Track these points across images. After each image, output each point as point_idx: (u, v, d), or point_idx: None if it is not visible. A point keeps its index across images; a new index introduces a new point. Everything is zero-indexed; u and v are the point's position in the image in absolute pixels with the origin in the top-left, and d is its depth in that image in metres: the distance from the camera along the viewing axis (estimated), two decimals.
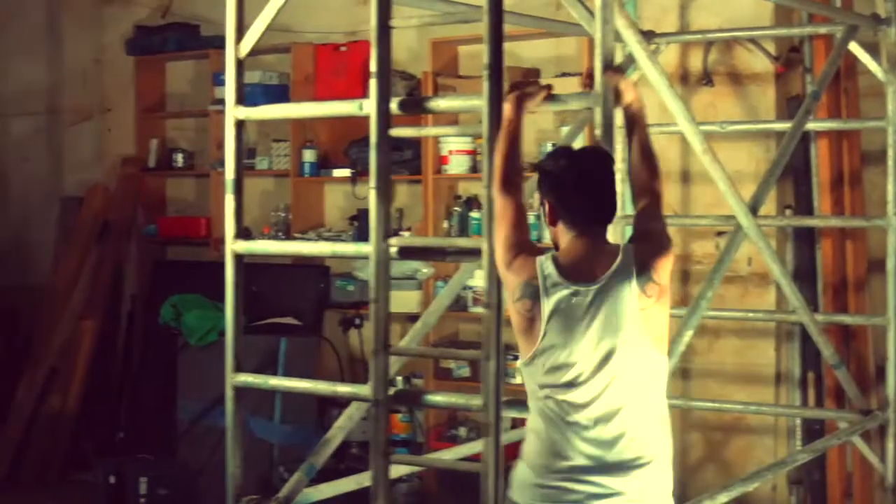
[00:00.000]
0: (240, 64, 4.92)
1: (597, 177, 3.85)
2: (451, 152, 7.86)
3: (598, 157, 3.93)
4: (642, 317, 3.72)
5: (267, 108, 5.58)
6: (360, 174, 8.18)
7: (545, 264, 3.77)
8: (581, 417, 3.74)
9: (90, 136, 10.06)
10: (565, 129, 7.33)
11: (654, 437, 3.80)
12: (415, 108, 4.89)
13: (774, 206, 6.99)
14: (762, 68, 7.11)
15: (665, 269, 3.79)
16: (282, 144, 8.76)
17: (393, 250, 4.48)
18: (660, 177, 4.06)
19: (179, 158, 9.50)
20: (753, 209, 5.47)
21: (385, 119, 4.46)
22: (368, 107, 4.47)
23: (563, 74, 7.63)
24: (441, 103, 4.86)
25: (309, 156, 8.56)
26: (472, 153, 7.83)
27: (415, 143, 8.00)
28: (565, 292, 3.73)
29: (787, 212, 7.10)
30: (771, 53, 7.07)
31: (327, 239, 8.31)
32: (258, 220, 8.82)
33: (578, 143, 6.91)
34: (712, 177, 5.37)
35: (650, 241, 3.87)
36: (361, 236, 7.80)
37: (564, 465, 3.74)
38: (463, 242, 5.80)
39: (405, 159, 8.09)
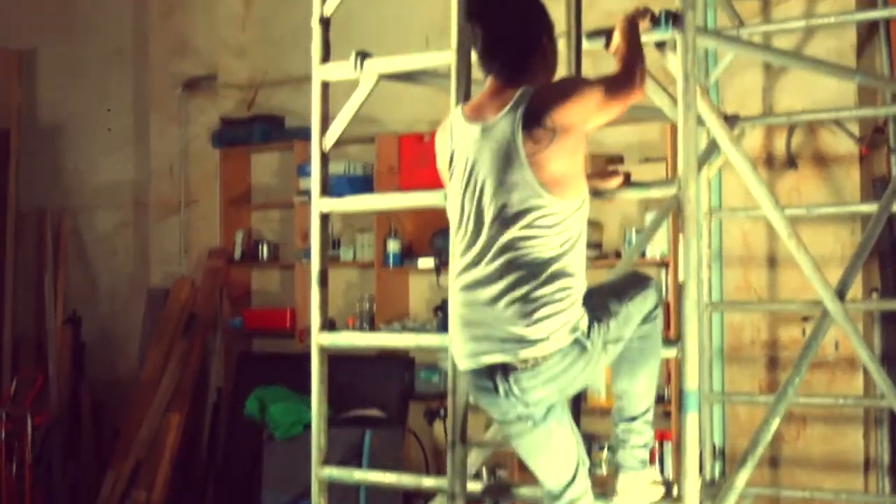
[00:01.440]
0: (324, 156, 4.97)
1: (476, 15, 3.97)
2: None
3: (489, 3, 3.99)
4: (530, 161, 3.76)
5: (352, 199, 5.62)
6: (444, 264, 8.18)
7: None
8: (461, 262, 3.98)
9: (176, 229, 10.17)
10: (649, 216, 7.30)
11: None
12: None
13: (861, 289, 6.89)
14: (846, 150, 7.04)
15: (567, 113, 3.77)
16: (366, 235, 8.79)
17: None
18: (631, 81, 3.98)
19: (264, 250, 9.57)
20: (841, 294, 5.39)
21: None
22: None
23: (647, 160, 7.61)
24: None
25: (393, 246, 8.58)
26: None
27: None
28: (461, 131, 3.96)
29: (874, 295, 6.99)
30: (855, 135, 7.01)
31: (412, 330, 8.30)
32: (342, 311, 8.83)
33: (663, 231, 6.91)
34: (798, 261, 5.30)
35: (554, 87, 3.92)
36: (446, 327, 7.77)
37: None
38: None
39: None
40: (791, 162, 7.13)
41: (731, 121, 6.51)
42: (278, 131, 9.52)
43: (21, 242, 10.84)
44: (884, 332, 6.97)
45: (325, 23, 4.99)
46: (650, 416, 4.25)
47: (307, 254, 7.21)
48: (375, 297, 8.69)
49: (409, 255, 8.61)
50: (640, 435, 4.23)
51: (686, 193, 4.12)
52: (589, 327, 3.90)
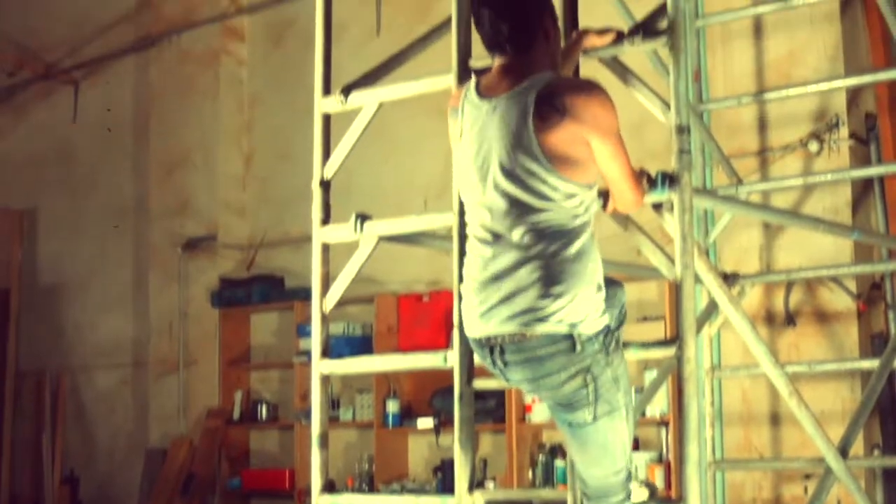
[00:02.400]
0: (325, 318, 4.97)
1: (482, 1, 4.02)
2: (534, 400, 7.82)
3: None
4: (538, 138, 3.83)
5: (352, 361, 5.61)
6: (443, 423, 8.15)
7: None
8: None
9: (175, 388, 10.14)
10: (649, 375, 7.29)
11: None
12: None
13: (862, 445, 6.85)
14: (844, 306, 7.07)
15: (579, 102, 3.83)
16: (365, 395, 8.77)
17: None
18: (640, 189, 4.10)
19: (263, 410, 9.53)
20: (843, 451, 5.36)
21: (469, 371, 4.46)
22: (453, 359, 4.48)
23: (645, 319, 7.63)
24: None
25: (392, 406, 8.56)
26: None
27: (498, 392, 7.97)
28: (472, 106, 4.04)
29: (876, 451, 6.94)
30: (852, 291, 7.04)
31: (411, 491, 8.23)
32: (342, 472, 8.77)
33: (662, 389, 6.89)
34: (799, 419, 5.28)
35: (573, 80, 4.11)
36: (446, 488, 7.72)
37: None
38: (547, 494, 5.72)
39: (489, 408, 8.07)
40: (790, 319, 7.15)
41: (730, 279, 6.54)
42: (278, 291, 9.56)
43: (20, 402, 10.81)
44: (886, 489, 6.91)
45: (326, 185, 5.04)
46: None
47: (307, 414, 7.18)
48: (375, 458, 8.63)
49: (408, 415, 8.58)
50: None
51: (685, 353, 4.11)
52: (590, 338, 3.90)
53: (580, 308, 3.86)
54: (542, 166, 3.85)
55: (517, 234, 3.90)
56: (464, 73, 4.64)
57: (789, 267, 7.07)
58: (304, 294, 6.47)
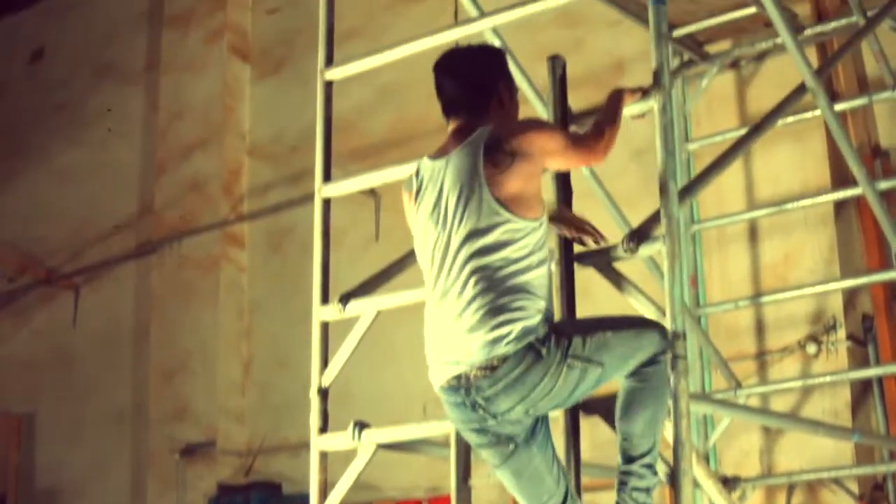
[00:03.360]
0: None
1: (443, 69, 4.35)
2: None
3: (452, 54, 4.41)
4: (489, 182, 4.07)
5: None
6: None
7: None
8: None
9: None
10: None
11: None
12: None
13: None
14: None
15: (526, 140, 4.10)
16: None
17: None
18: (597, 143, 4.29)
19: None
20: None
21: None
22: None
23: None
24: None
25: None
26: None
27: None
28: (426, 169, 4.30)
29: None
30: (854, 493, 6.97)
31: None
32: None
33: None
34: None
35: (517, 121, 4.28)
36: None
37: None
38: None
39: None
40: None
41: (731, 483, 6.49)
42: (276, 498, 9.46)
43: None
44: None
45: (324, 393, 5.05)
46: (650, 459, 4.21)
47: None
48: None
49: None
50: (641, 478, 4.19)
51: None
52: (547, 335, 4.02)
53: (529, 325, 4.00)
54: (492, 208, 4.07)
55: (471, 274, 4.07)
56: None
57: (790, 469, 7.02)
58: (303, 501, 6.37)
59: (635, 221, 4.56)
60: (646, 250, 4.38)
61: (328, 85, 5.44)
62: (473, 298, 4.04)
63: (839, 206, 7.19)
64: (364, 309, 5.07)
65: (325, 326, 5.17)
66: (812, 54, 7.11)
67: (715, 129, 7.48)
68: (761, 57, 7.52)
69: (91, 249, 11.31)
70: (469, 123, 4.26)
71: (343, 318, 5.09)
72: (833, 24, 7.10)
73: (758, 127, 5.45)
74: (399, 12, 9.52)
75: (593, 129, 4.35)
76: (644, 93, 4.50)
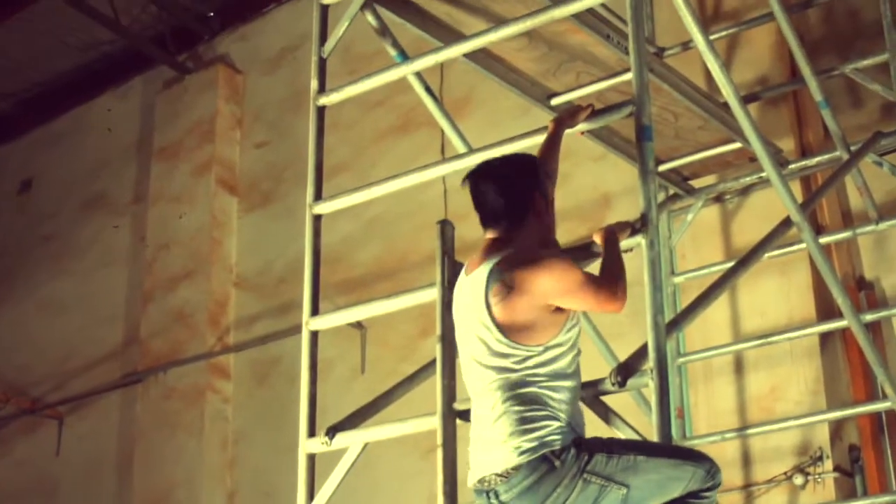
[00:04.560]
0: None
1: (476, 181, 4.46)
2: None
3: (488, 165, 4.56)
4: (495, 310, 4.20)
5: None
6: None
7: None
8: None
9: None
10: None
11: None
12: None
13: None
14: None
15: (526, 277, 4.19)
16: None
17: None
18: (615, 288, 4.30)
19: None
20: None
21: None
22: None
23: None
24: None
25: None
26: None
27: None
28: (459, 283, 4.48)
29: None
30: None
31: None
32: None
33: None
34: None
35: (528, 252, 4.30)
36: None
37: None
38: None
39: None
40: None
41: None
42: None
43: None
44: None
45: None
46: None
47: None
48: None
49: None
50: None
51: None
52: (566, 448, 4.11)
53: (545, 436, 4.11)
54: (495, 335, 4.21)
55: (491, 393, 4.22)
56: (449, 414, 4.68)
57: None
58: None
59: (622, 354, 4.57)
60: (633, 384, 4.39)
61: (316, 219, 5.48)
62: (498, 411, 4.18)
63: (825, 338, 7.21)
64: (351, 441, 5.05)
65: (311, 459, 5.14)
66: (796, 188, 7.20)
67: (700, 263, 7.53)
68: (746, 191, 7.60)
69: (76, 379, 11.26)
70: (504, 235, 4.38)
71: (330, 450, 5.07)
72: (817, 159, 7.21)
73: (743, 261, 5.50)
74: (387, 147, 9.62)
75: (606, 274, 4.35)
76: (634, 231, 4.56)
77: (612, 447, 4.18)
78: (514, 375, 4.19)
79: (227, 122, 10.98)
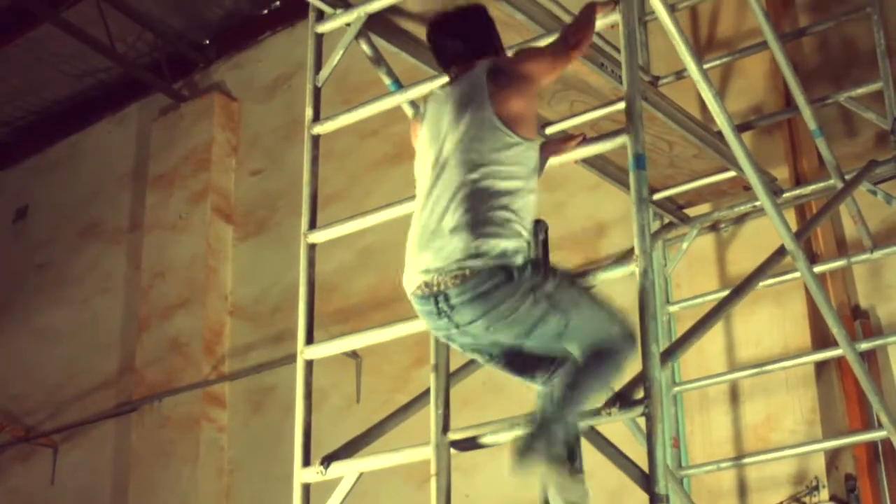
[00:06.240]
0: None
1: (443, 29, 4.74)
2: None
3: (450, 14, 4.81)
4: (492, 100, 4.41)
5: None
6: None
7: None
8: None
9: None
10: None
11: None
12: None
13: None
14: None
15: (526, 66, 4.53)
16: None
17: None
18: (569, 42, 4.69)
19: None
20: None
21: None
22: None
23: None
24: None
25: None
26: None
27: None
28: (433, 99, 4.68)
29: None
30: None
31: None
32: None
33: None
34: None
35: (516, 54, 4.74)
36: None
37: None
38: None
39: None
40: None
41: None
42: None
43: None
44: None
45: None
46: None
47: None
48: None
49: None
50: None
51: None
52: (524, 264, 4.28)
53: (507, 247, 4.26)
54: (493, 123, 4.38)
55: (462, 185, 4.33)
56: (442, 445, 4.67)
57: None
58: None
59: (617, 383, 4.56)
60: (628, 413, 4.38)
61: (311, 248, 5.48)
62: (461, 205, 4.31)
63: (820, 367, 7.20)
64: (346, 471, 5.04)
65: (306, 488, 5.13)
66: (791, 217, 7.21)
67: (695, 291, 7.53)
68: (741, 219, 7.61)
69: (70, 408, 11.23)
70: (465, 68, 4.62)
71: (325, 479, 5.05)
72: (811, 188, 7.22)
73: (738, 290, 5.50)
74: (381, 176, 9.62)
75: (563, 32, 4.79)
76: (615, 3, 4.82)
77: (564, 279, 4.38)
78: (491, 171, 4.34)
79: (223, 150, 11.00)
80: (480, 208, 4.29)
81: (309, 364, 5.32)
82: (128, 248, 11.45)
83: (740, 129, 6.47)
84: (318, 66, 5.73)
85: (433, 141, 4.54)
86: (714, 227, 7.73)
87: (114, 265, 11.53)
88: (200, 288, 10.46)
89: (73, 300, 11.71)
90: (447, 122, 4.51)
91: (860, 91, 7.18)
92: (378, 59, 5.78)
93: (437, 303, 4.31)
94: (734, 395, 7.43)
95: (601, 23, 4.83)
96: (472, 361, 5.51)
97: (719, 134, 6.12)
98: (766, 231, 6.65)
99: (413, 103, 5.68)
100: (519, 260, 4.28)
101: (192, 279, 10.55)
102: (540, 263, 4.43)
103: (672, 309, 7.49)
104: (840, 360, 7.02)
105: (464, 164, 4.37)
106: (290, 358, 5.68)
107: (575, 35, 4.71)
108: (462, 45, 4.70)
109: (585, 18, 4.78)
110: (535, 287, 4.27)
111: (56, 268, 12.03)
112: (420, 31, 5.63)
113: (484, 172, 4.34)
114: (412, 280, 4.43)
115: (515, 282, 4.24)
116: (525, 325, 4.30)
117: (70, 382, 11.33)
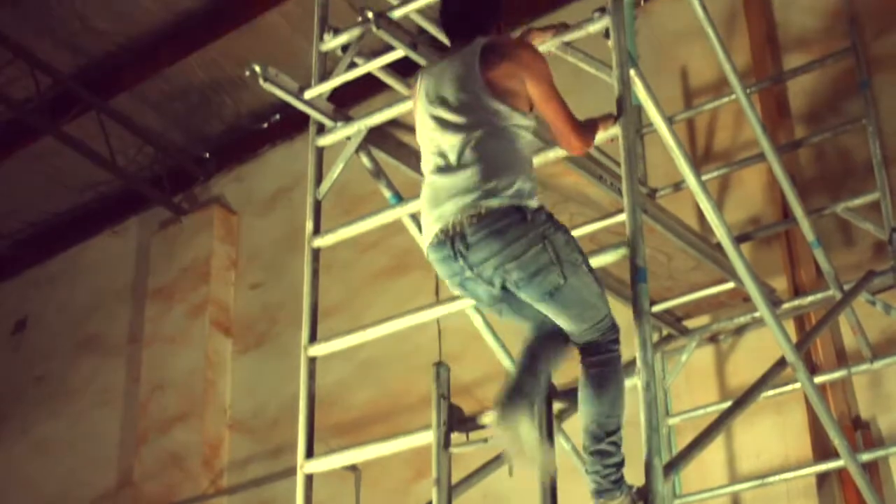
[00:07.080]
0: None
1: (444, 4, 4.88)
2: None
3: None
4: (484, 75, 4.57)
5: None
6: None
7: None
8: None
9: None
10: None
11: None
12: None
13: None
14: None
15: (517, 50, 4.65)
16: None
17: None
18: (576, 130, 4.73)
19: None
20: None
21: None
22: None
23: None
24: None
25: None
26: None
27: None
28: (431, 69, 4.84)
29: None
30: None
31: None
32: None
33: None
34: None
35: (510, 39, 4.89)
36: None
37: None
38: None
39: None
40: None
41: None
42: None
43: None
44: None
45: None
46: (617, 438, 4.45)
47: None
48: None
49: None
50: (610, 456, 4.42)
51: None
52: (538, 210, 4.46)
53: (522, 188, 4.45)
54: (483, 94, 4.54)
55: (462, 143, 4.51)
56: None
57: None
58: None
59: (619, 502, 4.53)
60: None
61: (311, 361, 5.47)
62: (471, 153, 4.49)
63: (822, 478, 7.15)
64: None
65: None
66: (790, 327, 7.22)
67: (694, 403, 7.51)
68: (740, 331, 7.61)
69: None
70: (469, 39, 4.74)
71: None
72: (810, 298, 7.23)
73: (739, 402, 5.48)
74: (381, 289, 9.64)
75: (584, 121, 4.77)
76: (615, 119, 4.84)
77: (573, 245, 4.50)
78: (500, 124, 4.52)
79: (222, 263, 11.03)
80: (491, 153, 4.48)
81: (309, 478, 5.28)
82: (126, 361, 11.42)
83: (738, 240, 6.50)
84: (318, 180, 5.77)
85: (433, 103, 4.69)
86: (713, 339, 7.73)
87: (112, 378, 11.49)
88: (199, 401, 10.43)
89: (72, 413, 11.66)
90: (447, 90, 4.66)
91: (857, 202, 7.23)
92: (378, 172, 5.82)
93: (453, 245, 4.45)
94: None
95: (601, 136, 4.87)
96: (473, 474, 5.50)
97: (718, 245, 6.14)
98: (766, 342, 6.65)
99: (413, 216, 5.70)
100: (534, 203, 4.47)
101: (191, 392, 10.52)
102: (552, 215, 4.53)
103: (672, 421, 7.46)
104: (841, 472, 6.98)
105: (465, 126, 4.55)
106: (290, 471, 5.65)
107: (584, 133, 4.77)
108: (468, 7, 4.85)
109: (591, 126, 4.85)
110: (545, 234, 4.42)
111: (55, 380, 12.00)
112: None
113: (486, 131, 4.52)
114: (429, 233, 4.57)
115: (528, 223, 4.40)
116: (528, 270, 4.42)
117: (68, 497, 11.24)
